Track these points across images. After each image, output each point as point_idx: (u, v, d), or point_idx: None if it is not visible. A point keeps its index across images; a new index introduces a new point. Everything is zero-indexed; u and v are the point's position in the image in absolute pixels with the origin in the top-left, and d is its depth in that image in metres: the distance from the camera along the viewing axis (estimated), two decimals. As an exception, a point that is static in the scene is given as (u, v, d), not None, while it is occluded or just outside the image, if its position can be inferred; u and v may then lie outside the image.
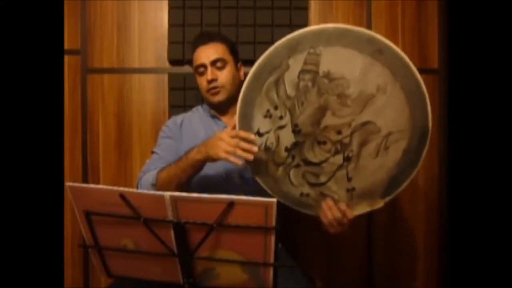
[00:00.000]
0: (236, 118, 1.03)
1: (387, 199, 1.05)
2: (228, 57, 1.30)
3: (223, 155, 0.99)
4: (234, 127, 1.05)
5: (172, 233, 0.83)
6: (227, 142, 1.00)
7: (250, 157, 0.98)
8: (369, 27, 1.69)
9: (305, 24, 1.67)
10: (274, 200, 0.77)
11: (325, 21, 1.69)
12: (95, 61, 1.68)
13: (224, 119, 1.34)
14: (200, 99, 1.62)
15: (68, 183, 0.84)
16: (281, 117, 1.01)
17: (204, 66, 1.28)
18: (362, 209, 1.06)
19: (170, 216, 0.81)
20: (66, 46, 1.66)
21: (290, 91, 0.99)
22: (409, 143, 1.00)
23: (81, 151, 1.69)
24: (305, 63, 0.97)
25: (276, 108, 1.01)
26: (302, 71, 0.97)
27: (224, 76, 1.28)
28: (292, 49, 0.97)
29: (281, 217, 1.06)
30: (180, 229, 0.82)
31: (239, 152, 0.98)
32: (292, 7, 1.66)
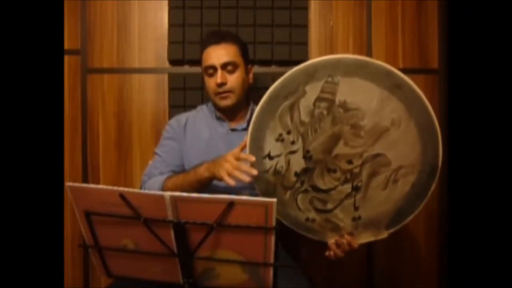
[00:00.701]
0: (248, 140, 1.03)
1: (392, 230, 1.07)
2: (239, 60, 1.28)
3: (223, 174, 1.00)
4: (244, 147, 1.04)
5: (172, 233, 0.84)
6: (230, 163, 1.00)
7: (247, 179, 0.98)
8: (369, 27, 1.69)
9: (305, 24, 1.67)
10: (274, 200, 0.77)
11: (325, 21, 1.69)
12: (95, 61, 1.68)
13: (230, 122, 1.34)
14: (200, 99, 1.63)
15: (68, 183, 0.84)
16: (293, 142, 1.01)
17: (214, 67, 1.26)
18: (366, 238, 1.08)
19: (170, 216, 0.81)
20: (66, 46, 1.67)
21: (305, 117, 0.99)
22: (418, 178, 1.01)
23: (81, 151, 1.69)
24: (322, 91, 0.97)
25: (289, 132, 1.01)
26: (318, 99, 0.98)
27: (234, 80, 1.26)
28: (310, 75, 0.97)
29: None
30: (180, 229, 0.82)
31: (236, 172, 0.98)
32: (292, 7, 1.66)
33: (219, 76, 1.24)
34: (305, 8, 1.67)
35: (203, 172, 1.09)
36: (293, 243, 1.54)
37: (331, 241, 1.08)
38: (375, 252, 1.71)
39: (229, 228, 0.81)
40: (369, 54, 1.68)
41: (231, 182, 0.98)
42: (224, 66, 1.25)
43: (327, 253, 1.09)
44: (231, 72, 1.26)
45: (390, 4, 1.70)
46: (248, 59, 1.34)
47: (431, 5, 1.71)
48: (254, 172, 0.99)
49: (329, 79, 0.96)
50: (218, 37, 1.28)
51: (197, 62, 1.66)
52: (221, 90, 1.25)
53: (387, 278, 1.72)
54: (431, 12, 1.71)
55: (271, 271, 0.85)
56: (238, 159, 1.01)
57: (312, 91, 0.98)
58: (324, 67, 0.96)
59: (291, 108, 0.99)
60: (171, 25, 1.66)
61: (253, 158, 1.00)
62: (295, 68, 0.98)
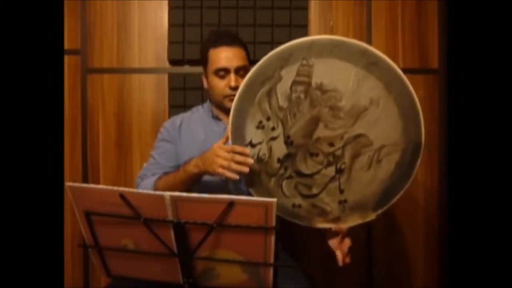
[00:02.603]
0: (229, 128, 1.03)
1: (379, 211, 1.06)
2: (247, 64, 1.27)
3: (219, 170, 1.00)
4: (227, 139, 1.04)
5: (172, 233, 0.84)
6: (223, 157, 1.00)
7: (246, 169, 0.98)
8: (369, 27, 1.69)
9: (305, 24, 1.67)
10: (274, 200, 0.77)
11: (325, 21, 1.69)
12: (95, 61, 1.68)
13: (226, 120, 1.33)
14: (200, 99, 1.63)
15: (68, 183, 0.84)
16: (273, 128, 1.01)
17: (226, 70, 1.23)
18: (353, 221, 1.07)
19: (170, 216, 0.81)
20: (66, 46, 1.67)
21: (283, 102, 0.99)
22: (402, 157, 1.00)
23: (81, 151, 1.69)
24: (298, 74, 0.97)
25: (268, 119, 1.01)
26: (295, 83, 0.97)
27: None
28: (285, 60, 0.96)
29: (281, 217, 1.07)
30: (180, 229, 0.82)
31: (234, 165, 0.98)
32: (292, 7, 1.66)
33: (233, 80, 1.22)
34: (305, 8, 1.67)
35: (192, 169, 1.09)
36: (293, 243, 1.54)
37: (337, 253, 1.06)
38: (375, 251, 1.71)
39: (229, 228, 0.81)
40: (369, 54, 1.68)
41: (232, 175, 0.98)
42: (237, 70, 1.24)
43: (339, 263, 1.07)
44: (243, 76, 1.23)
45: (390, 4, 1.70)
46: (249, 63, 1.33)
47: (431, 5, 1.71)
48: (250, 160, 0.98)
49: (304, 61, 0.96)
50: (228, 39, 1.27)
51: (197, 62, 1.66)
52: (234, 93, 1.24)
53: (387, 278, 1.72)
54: (431, 12, 1.71)
55: (271, 271, 0.85)
56: (229, 151, 1.00)
57: (288, 75, 0.97)
58: (298, 49, 0.96)
59: (268, 94, 0.99)
60: (171, 25, 1.66)
61: (247, 150, 1.00)
62: (270, 53, 0.97)
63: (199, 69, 1.67)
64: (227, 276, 0.89)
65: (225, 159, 1.00)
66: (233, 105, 1.02)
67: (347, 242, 1.08)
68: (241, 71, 1.24)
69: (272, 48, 1.62)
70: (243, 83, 1.01)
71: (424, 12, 1.71)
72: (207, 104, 1.38)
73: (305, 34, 1.67)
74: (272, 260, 0.83)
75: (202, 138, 1.30)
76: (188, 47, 1.65)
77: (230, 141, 1.04)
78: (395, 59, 1.67)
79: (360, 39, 1.68)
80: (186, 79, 1.65)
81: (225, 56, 1.24)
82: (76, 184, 0.85)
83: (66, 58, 1.67)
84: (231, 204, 0.78)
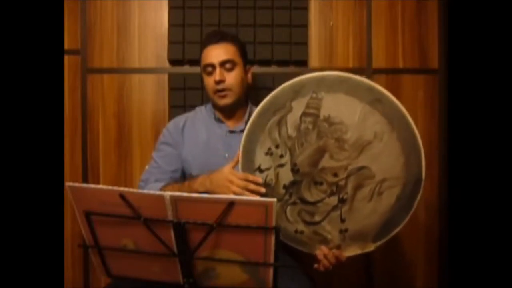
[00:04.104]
0: (240, 152, 1.07)
1: (379, 243, 1.08)
2: (237, 59, 1.28)
3: (232, 196, 1.03)
4: (237, 162, 1.08)
5: (172, 233, 0.84)
6: (237, 185, 1.05)
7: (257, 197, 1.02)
8: (369, 27, 1.69)
9: (305, 24, 1.67)
10: (274, 200, 0.77)
11: (325, 21, 1.69)
12: (95, 61, 1.68)
13: (228, 122, 1.34)
14: (200, 99, 1.63)
15: (68, 183, 0.84)
16: (281, 156, 1.05)
17: (212, 66, 1.26)
18: (353, 251, 1.09)
19: (170, 216, 0.81)
20: (66, 46, 1.67)
21: (292, 132, 1.03)
22: (403, 190, 1.03)
23: (81, 151, 1.69)
24: (307, 106, 1.01)
25: (277, 146, 1.05)
26: (304, 114, 1.02)
27: (232, 77, 1.26)
28: (296, 92, 1.01)
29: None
30: (180, 229, 0.82)
31: (247, 193, 1.03)
32: (292, 7, 1.66)
33: (217, 74, 1.25)
34: (305, 8, 1.67)
35: (197, 187, 1.12)
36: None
37: (318, 252, 1.09)
38: (375, 253, 1.71)
39: (229, 228, 0.81)
40: (369, 54, 1.68)
41: None
42: (222, 64, 1.26)
43: (315, 265, 1.10)
44: (230, 70, 1.26)
45: (390, 4, 1.70)
46: (246, 60, 1.34)
47: (431, 5, 1.71)
48: (262, 189, 1.03)
49: (314, 95, 1.01)
50: (217, 37, 1.29)
51: (197, 62, 1.66)
52: (219, 87, 1.26)
53: (387, 279, 1.72)
54: (431, 12, 1.71)
55: (271, 271, 0.85)
56: (242, 179, 1.04)
57: (298, 106, 1.02)
58: (309, 83, 1.01)
59: (279, 123, 1.03)
60: (171, 25, 1.66)
61: (260, 179, 1.04)
62: (283, 85, 1.03)
63: (199, 69, 1.67)
64: (227, 276, 0.90)
65: (238, 186, 1.04)
66: (245, 130, 1.06)
67: (336, 253, 1.08)
68: (227, 64, 1.26)
69: (272, 48, 1.66)
70: (256, 110, 1.05)
71: (424, 12, 1.71)
72: (209, 105, 1.38)
73: (305, 34, 1.67)
74: (272, 260, 0.83)
75: (205, 139, 1.31)
76: (188, 47, 1.65)
77: (239, 165, 1.07)
78: (395, 59, 1.68)
79: (360, 39, 1.70)
80: (186, 79, 1.65)
81: (211, 53, 1.27)
82: (76, 184, 0.85)
83: (66, 58, 1.67)
84: (231, 204, 0.78)
